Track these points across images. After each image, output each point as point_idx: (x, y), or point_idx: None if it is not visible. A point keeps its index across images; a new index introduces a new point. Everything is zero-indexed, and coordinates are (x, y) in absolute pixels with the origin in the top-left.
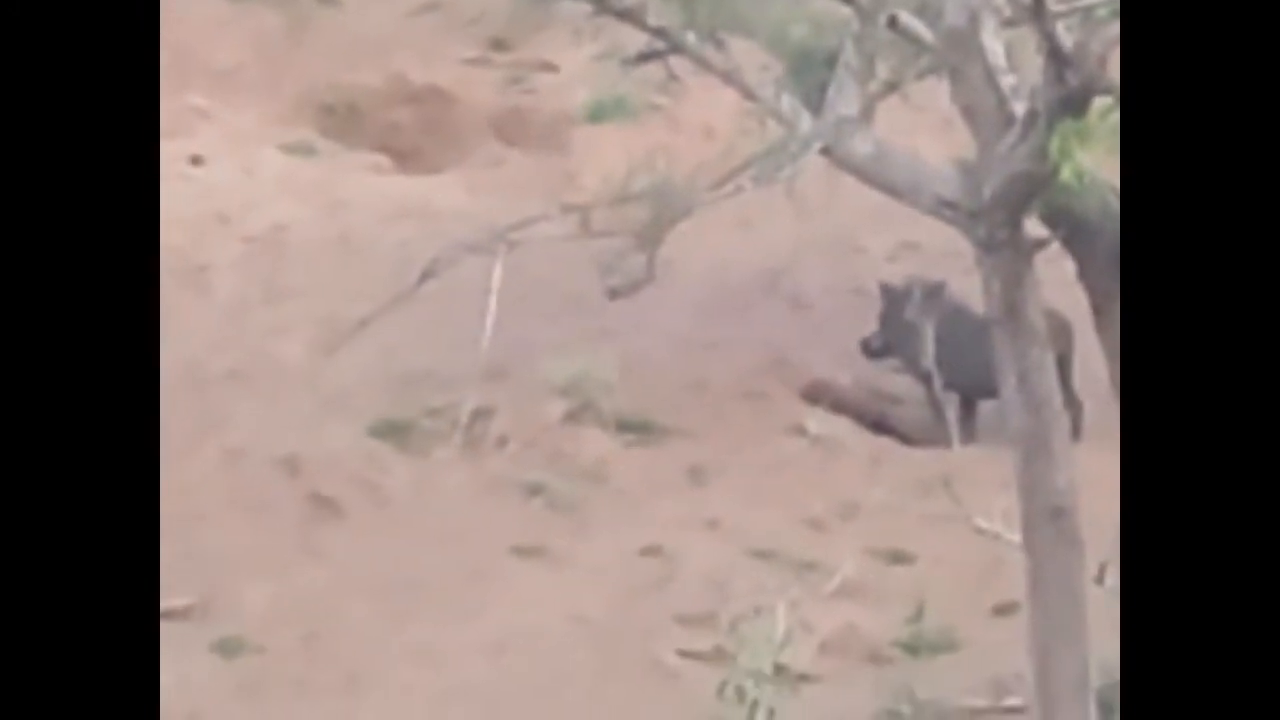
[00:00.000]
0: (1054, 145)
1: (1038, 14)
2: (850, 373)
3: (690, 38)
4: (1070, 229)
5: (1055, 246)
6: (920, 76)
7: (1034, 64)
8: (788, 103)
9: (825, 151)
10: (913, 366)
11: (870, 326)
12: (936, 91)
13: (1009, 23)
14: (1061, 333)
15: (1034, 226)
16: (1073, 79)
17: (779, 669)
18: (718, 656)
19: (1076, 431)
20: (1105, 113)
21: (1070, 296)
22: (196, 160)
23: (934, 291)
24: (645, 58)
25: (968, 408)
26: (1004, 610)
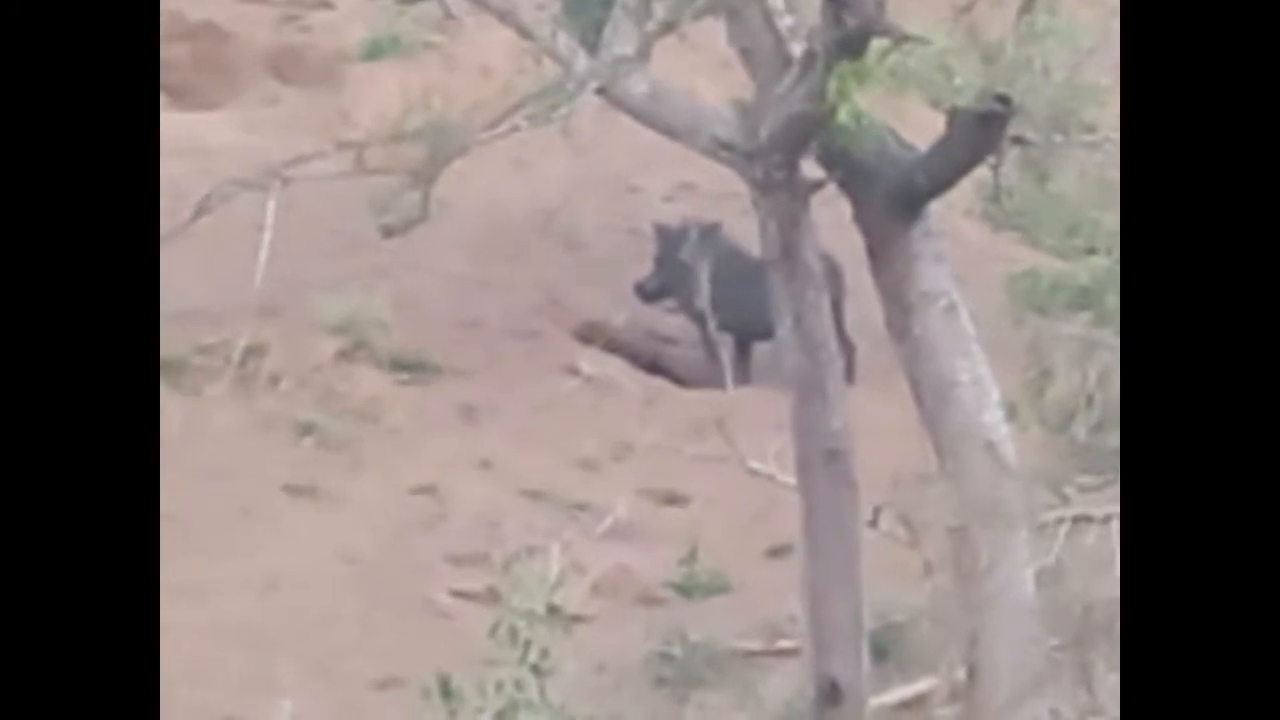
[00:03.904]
0: (831, 86)
1: None
2: (625, 313)
3: None
4: (847, 170)
5: (831, 188)
6: (698, 17)
7: (812, 5)
8: (564, 42)
9: (601, 91)
10: (687, 307)
11: (645, 267)
12: (714, 32)
13: None
14: (834, 276)
15: (810, 168)
16: (850, 20)
17: (552, 610)
18: (490, 597)
19: (849, 375)
20: (883, 54)
21: (845, 239)
22: None
23: (709, 232)
24: None
25: (742, 349)
26: (777, 552)
